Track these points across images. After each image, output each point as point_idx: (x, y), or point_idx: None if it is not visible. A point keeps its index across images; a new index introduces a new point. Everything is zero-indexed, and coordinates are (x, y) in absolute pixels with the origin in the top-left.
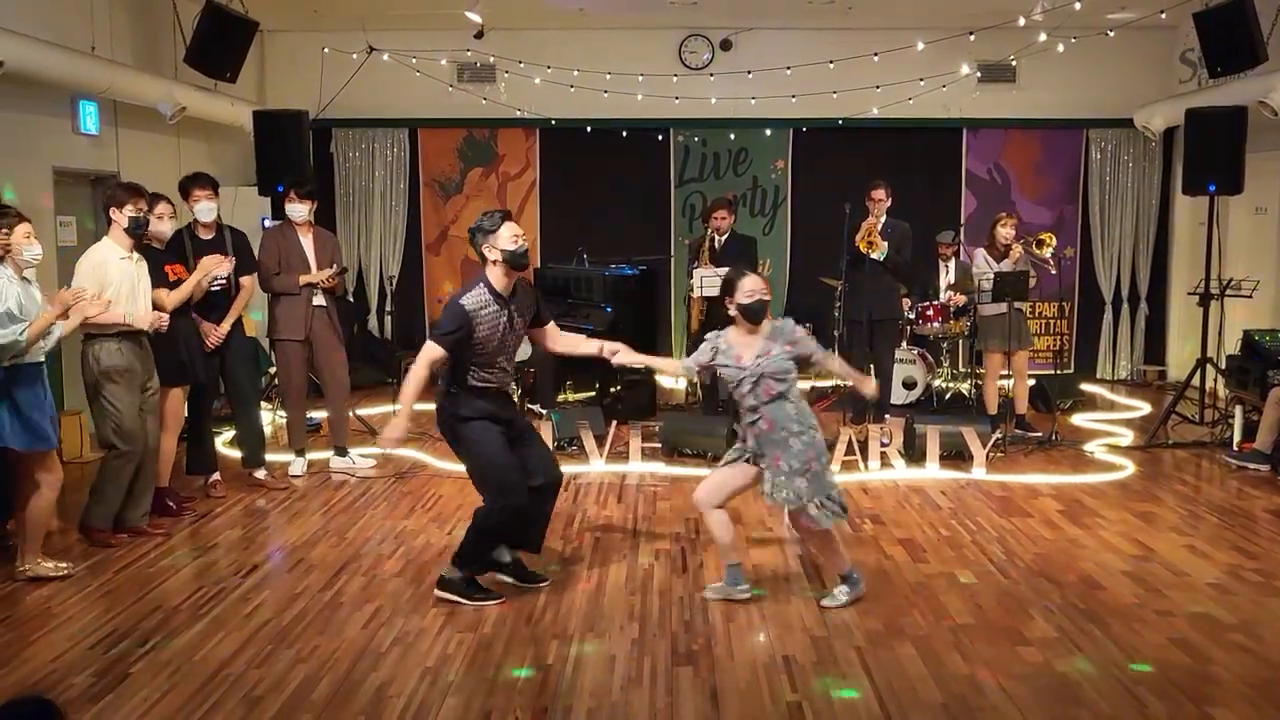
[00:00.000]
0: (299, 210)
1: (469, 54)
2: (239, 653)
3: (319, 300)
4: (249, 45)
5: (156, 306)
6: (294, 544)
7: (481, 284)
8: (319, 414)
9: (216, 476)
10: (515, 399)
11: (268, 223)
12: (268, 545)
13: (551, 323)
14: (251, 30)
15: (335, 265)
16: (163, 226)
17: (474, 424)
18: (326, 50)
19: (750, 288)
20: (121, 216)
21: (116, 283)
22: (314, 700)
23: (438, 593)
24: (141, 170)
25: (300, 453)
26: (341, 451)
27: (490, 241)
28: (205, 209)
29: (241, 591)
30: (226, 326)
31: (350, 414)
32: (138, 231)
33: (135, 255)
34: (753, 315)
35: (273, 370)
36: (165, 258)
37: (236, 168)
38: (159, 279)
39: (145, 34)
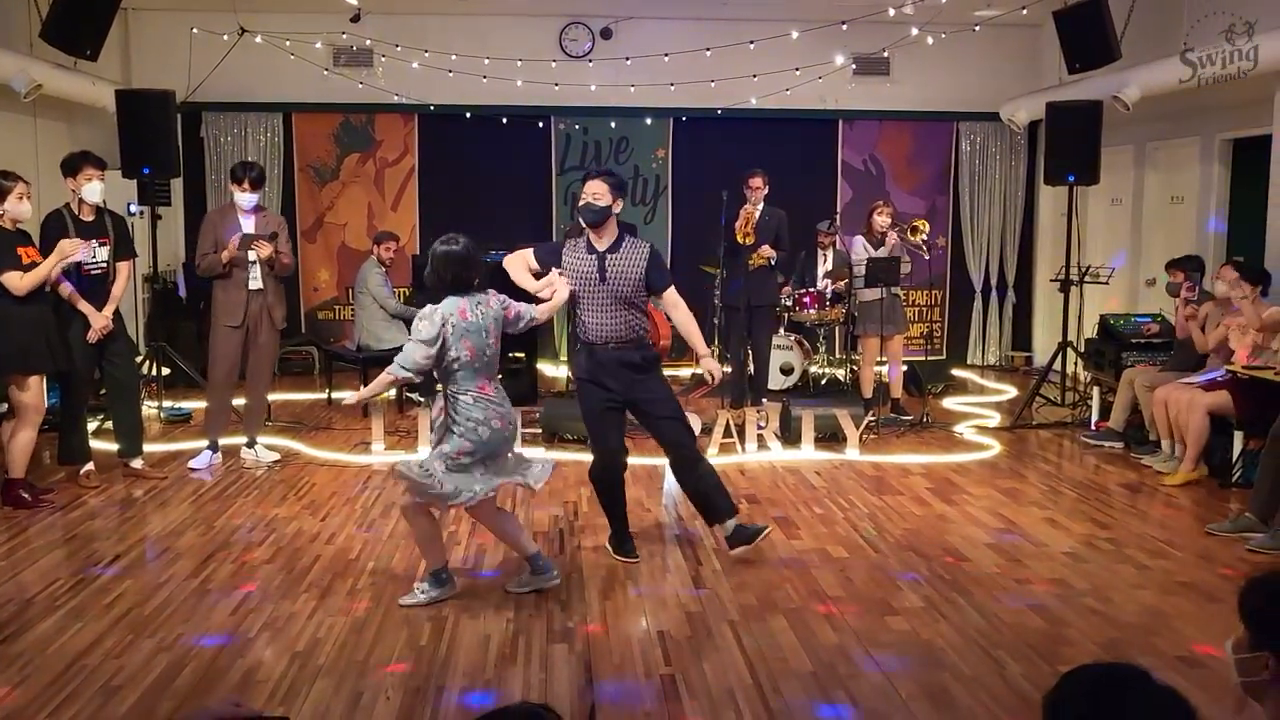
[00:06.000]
0: (249, 199)
1: (345, 37)
2: (97, 643)
3: (255, 285)
4: (110, 22)
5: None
6: (160, 533)
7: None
8: (190, 405)
9: (90, 467)
10: None
11: (134, 208)
12: (132, 535)
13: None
14: (113, 6)
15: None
16: (21, 207)
17: None
18: (195, 31)
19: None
20: None
21: None
22: (177, 688)
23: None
24: None
25: (213, 446)
26: (251, 443)
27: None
28: (94, 189)
29: (102, 582)
30: (109, 313)
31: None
32: None
33: None
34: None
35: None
36: (18, 239)
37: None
38: (11, 261)
39: None
